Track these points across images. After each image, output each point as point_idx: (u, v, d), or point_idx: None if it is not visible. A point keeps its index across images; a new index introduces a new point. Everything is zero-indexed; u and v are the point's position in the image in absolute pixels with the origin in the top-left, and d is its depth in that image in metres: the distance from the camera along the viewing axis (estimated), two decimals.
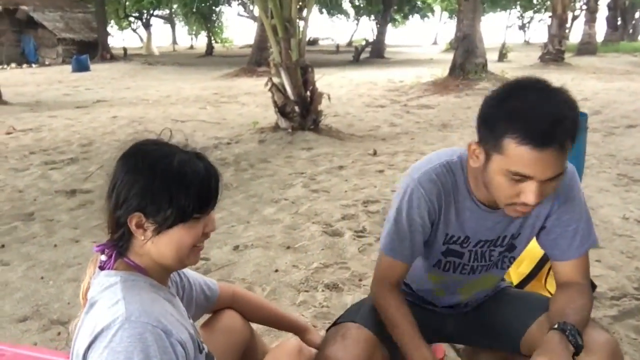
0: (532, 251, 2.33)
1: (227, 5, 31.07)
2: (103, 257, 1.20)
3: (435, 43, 47.94)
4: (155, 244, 1.16)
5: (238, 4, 23.94)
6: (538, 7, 37.80)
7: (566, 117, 1.16)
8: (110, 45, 27.57)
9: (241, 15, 22.78)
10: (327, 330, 1.58)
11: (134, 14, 37.18)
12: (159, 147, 1.21)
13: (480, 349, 1.85)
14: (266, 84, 7.14)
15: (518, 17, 43.08)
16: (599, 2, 22.24)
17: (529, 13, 41.55)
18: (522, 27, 44.42)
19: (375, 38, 27.54)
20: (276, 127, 7.06)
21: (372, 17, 29.71)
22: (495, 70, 13.33)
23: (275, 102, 7.02)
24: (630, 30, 34.36)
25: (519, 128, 1.16)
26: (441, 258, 1.56)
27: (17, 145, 6.71)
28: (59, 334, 2.44)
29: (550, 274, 2.53)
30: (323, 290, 2.76)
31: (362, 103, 10.25)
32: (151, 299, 1.13)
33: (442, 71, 13.61)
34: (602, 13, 26.28)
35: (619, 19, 30.01)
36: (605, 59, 19.66)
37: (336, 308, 2.55)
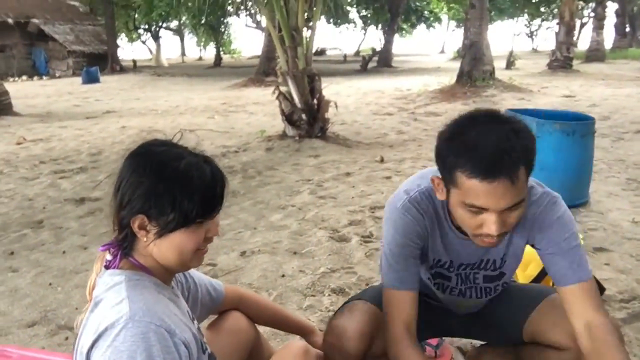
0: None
1: (235, 16, 31.33)
2: (109, 256, 1.21)
3: (442, 52, 48.01)
4: (158, 247, 1.16)
5: (246, 15, 24.16)
6: (545, 14, 37.78)
7: (513, 147, 1.16)
8: (119, 57, 27.87)
9: (249, 26, 22.96)
10: (336, 311, 1.63)
11: (143, 27, 37.57)
12: (167, 149, 1.20)
13: (485, 352, 1.85)
14: (273, 92, 7.18)
15: (526, 25, 43.10)
16: (606, 9, 22.20)
17: (537, 21, 41.55)
18: (530, 35, 44.42)
19: (382, 47, 27.62)
20: (283, 135, 7.09)
21: (380, 26, 29.80)
22: (503, 78, 13.32)
23: (282, 110, 7.05)
24: (639, 37, 34.21)
25: (466, 162, 1.18)
26: (430, 278, 1.58)
27: (27, 155, 6.78)
28: (66, 338, 2.45)
29: None
30: (329, 295, 2.76)
31: (369, 111, 10.26)
32: (155, 299, 1.14)
33: (450, 79, 13.60)
34: (610, 20, 26.22)
35: (627, 25, 29.90)
36: (614, 66, 19.58)
37: None
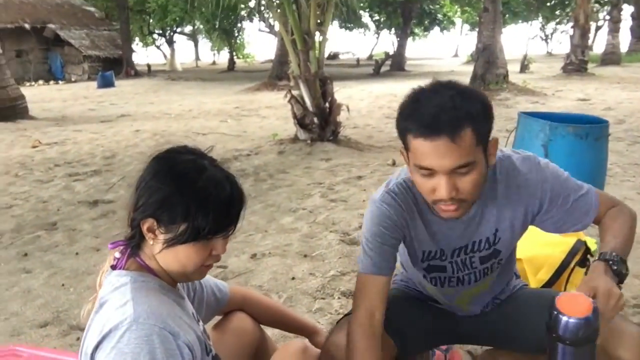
0: (551, 257, 2.31)
1: (248, 21, 31.50)
2: (117, 254, 1.22)
3: (456, 55, 47.86)
4: (163, 254, 1.17)
5: (259, 20, 24.27)
6: (560, 18, 37.49)
7: (453, 106, 1.18)
8: (134, 62, 28.11)
9: (262, 31, 23.04)
10: (338, 322, 1.58)
11: (157, 31, 37.87)
12: (193, 159, 1.19)
13: (498, 354, 1.82)
14: (285, 96, 7.20)
15: (540, 29, 42.79)
16: (622, 12, 21.98)
17: (552, 24, 41.24)
18: (545, 39, 44.10)
19: (395, 51, 27.59)
20: (295, 139, 7.10)
21: (393, 30, 29.79)
22: (517, 81, 13.23)
23: (294, 114, 7.07)
24: None
25: (412, 122, 1.22)
26: (425, 274, 1.55)
27: (42, 158, 6.87)
28: (77, 339, 2.47)
29: (570, 280, 2.48)
30: (339, 298, 2.76)
31: (382, 115, 10.25)
32: (160, 301, 1.14)
33: (463, 82, 13.52)
34: (626, 23, 25.93)
35: None
36: (630, 69, 19.36)
37: None
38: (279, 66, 19.18)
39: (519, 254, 1.92)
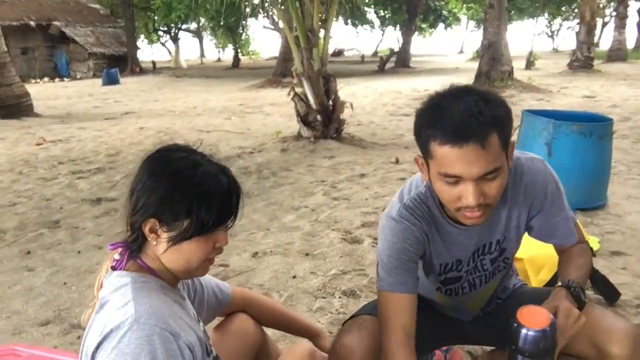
0: (553, 257, 2.28)
1: (253, 18, 31.49)
2: (117, 256, 1.22)
3: (461, 52, 47.68)
4: (167, 253, 1.17)
5: (264, 17, 24.27)
6: (566, 14, 37.29)
7: (481, 112, 1.16)
8: (139, 59, 28.15)
9: (267, 28, 23.04)
10: (344, 324, 1.57)
11: (162, 28, 37.90)
12: (185, 156, 1.20)
13: (498, 354, 1.82)
14: (289, 94, 7.19)
15: (546, 25, 42.58)
16: (628, 8, 21.82)
17: (557, 20, 41.03)
18: (551, 35, 43.87)
19: (400, 48, 27.52)
20: (299, 136, 7.09)
21: (398, 27, 29.69)
22: (522, 78, 13.16)
23: (297, 112, 7.06)
24: None
25: (436, 130, 1.19)
26: (440, 287, 1.56)
27: (46, 156, 6.89)
28: (78, 337, 2.47)
29: None
30: (340, 297, 2.75)
31: (386, 112, 10.22)
32: (161, 301, 1.14)
33: (468, 79, 13.49)
34: (633, 19, 25.77)
35: None
36: (636, 66, 19.24)
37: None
38: (283, 63, 19.15)
39: (521, 254, 1.92)
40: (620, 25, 21.60)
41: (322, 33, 7.18)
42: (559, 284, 1.35)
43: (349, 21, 32.05)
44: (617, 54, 21.39)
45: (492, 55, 12.76)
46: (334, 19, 7.64)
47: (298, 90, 7.09)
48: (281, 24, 17.46)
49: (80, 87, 20.55)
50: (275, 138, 7.38)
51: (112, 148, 7.29)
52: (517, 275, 1.80)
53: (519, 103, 10.10)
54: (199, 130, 8.66)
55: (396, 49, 27.76)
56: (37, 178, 5.69)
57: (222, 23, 31.87)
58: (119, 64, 24.90)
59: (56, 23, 26.27)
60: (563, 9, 35.57)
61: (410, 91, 13.79)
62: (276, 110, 11.11)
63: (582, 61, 16.86)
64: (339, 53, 41.11)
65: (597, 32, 20.64)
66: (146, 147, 7.21)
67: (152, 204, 1.14)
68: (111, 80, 20.79)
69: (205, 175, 1.15)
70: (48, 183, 5.47)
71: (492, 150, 1.18)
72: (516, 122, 4.45)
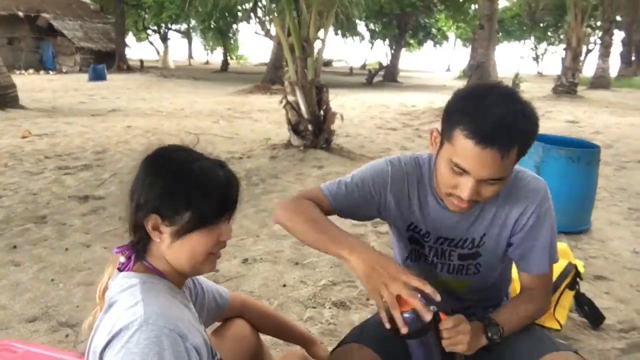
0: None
1: (245, 22, 31.46)
2: (122, 259, 1.23)
3: (448, 70, 48.30)
4: (171, 249, 1.18)
5: (255, 23, 24.29)
6: (552, 39, 38.03)
7: (515, 125, 1.20)
8: (127, 57, 27.98)
9: (257, 34, 23.04)
10: (332, 352, 1.56)
11: (152, 27, 37.73)
12: (182, 153, 1.24)
13: None
14: (280, 102, 7.21)
15: (532, 49, 43.36)
16: (613, 37, 22.32)
17: (543, 45, 41.81)
18: (536, 59, 44.67)
19: (389, 62, 27.76)
20: (288, 144, 7.11)
21: (387, 41, 29.98)
22: None
23: (289, 120, 7.08)
24: None
25: (468, 122, 1.22)
26: (407, 244, 1.58)
27: (32, 149, 6.80)
28: (66, 336, 2.46)
29: (559, 303, 2.53)
30: (330, 308, 2.77)
31: (373, 125, 10.30)
32: (169, 303, 1.15)
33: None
34: (617, 48, 26.36)
35: (633, 55, 30.07)
36: (619, 94, 19.66)
37: (343, 326, 2.56)
38: (273, 70, 19.20)
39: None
40: (605, 54, 22.06)
41: (316, 43, 7.23)
42: (487, 318, 1.40)
43: (339, 32, 32.26)
44: (601, 81, 21.83)
45: (479, 76, 12.94)
46: (328, 29, 7.69)
47: (290, 98, 7.11)
48: (274, 31, 17.51)
49: (66, 81, 20.32)
50: (264, 144, 7.39)
51: (99, 145, 7.22)
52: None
53: None
54: (187, 132, 8.62)
55: (385, 63, 28.00)
56: (23, 171, 5.62)
57: (212, 26, 31.86)
58: (106, 60, 24.72)
59: (45, 15, 26.03)
60: (549, 33, 36.32)
61: (397, 106, 13.91)
62: (265, 116, 11.11)
63: (567, 87, 17.17)
64: (327, 63, 41.27)
65: (581, 58, 21.02)
66: (134, 146, 7.17)
67: (152, 199, 1.16)
68: (98, 76, 20.60)
69: (203, 168, 1.18)
70: (34, 177, 5.40)
71: (508, 161, 1.23)
72: None
